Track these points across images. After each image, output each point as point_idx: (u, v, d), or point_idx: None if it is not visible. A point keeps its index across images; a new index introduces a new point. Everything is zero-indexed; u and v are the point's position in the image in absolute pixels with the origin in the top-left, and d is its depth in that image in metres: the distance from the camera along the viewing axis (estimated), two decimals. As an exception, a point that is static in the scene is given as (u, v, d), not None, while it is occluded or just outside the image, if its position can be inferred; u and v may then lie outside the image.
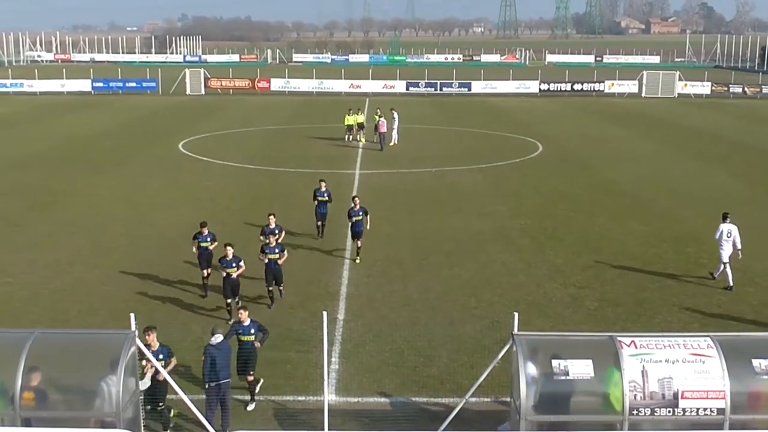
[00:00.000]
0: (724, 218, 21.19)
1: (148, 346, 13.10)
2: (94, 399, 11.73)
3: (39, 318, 18.24)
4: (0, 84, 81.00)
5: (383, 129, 43.35)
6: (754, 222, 26.80)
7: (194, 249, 20.13)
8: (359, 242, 22.86)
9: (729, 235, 20.85)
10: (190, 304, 19.37)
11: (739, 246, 20.82)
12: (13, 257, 23.20)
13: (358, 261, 22.66)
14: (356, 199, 23.37)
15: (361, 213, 22.85)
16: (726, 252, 20.80)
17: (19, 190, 32.74)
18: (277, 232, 20.53)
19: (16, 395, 11.47)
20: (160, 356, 13.21)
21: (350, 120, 46.25)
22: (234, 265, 18.25)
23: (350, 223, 23.01)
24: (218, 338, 13.36)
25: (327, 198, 24.80)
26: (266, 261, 19.06)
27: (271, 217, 21.19)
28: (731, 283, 20.66)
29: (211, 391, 13.30)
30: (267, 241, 19.52)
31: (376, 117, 44.63)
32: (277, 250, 19.20)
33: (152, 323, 16.74)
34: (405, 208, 29.56)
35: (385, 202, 30.48)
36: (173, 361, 13.62)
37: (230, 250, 18.25)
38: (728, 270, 20.76)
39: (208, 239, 19.90)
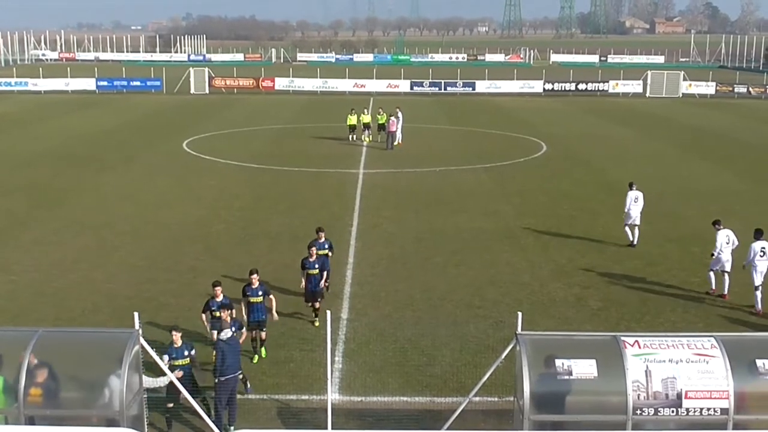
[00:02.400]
0: (631, 186, 24.65)
1: (172, 343, 13.47)
2: (98, 397, 11.76)
3: (43, 316, 18.27)
4: (5, 83, 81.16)
5: (393, 128, 43.47)
6: (759, 222, 26.70)
7: (205, 323, 15.75)
8: (317, 303, 18.02)
9: (636, 200, 24.26)
10: (195, 302, 19.35)
11: (641, 207, 24.34)
12: (17, 255, 23.25)
13: (317, 324, 17.89)
14: (313, 249, 18.39)
15: (317, 266, 18.06)
16: (634, 215, 24.23)
17: (24, 188, 32.81)
18: (261, 294, 16.09)
19: (20, 393, 11.50)
20: (186, 352, 13.51)
21: (352, 120, 46.25)
22: (233, 330, 13.96)
23: (304, 276, 18.09)
24: (227, 333, 13.50)
25: (328, 249, 19.54)
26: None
27: (254, 276, 16.24)
28: (635, 241, 24.31)
29: (221, 386, 13.38)
30: (218, 313, 14.78)
31: (386, 116, 44.92)
32: (234, 328, 13.96)
33: (157, 322, 16.88)
34: (409, 208, 29.57)
35: (389, 202, 30.51)
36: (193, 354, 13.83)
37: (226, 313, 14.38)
38: (636, 231, 24.36)
39: (260, 293, 15.99)
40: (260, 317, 16.12)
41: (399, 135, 44.89)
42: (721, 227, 20.12)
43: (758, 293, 19.14)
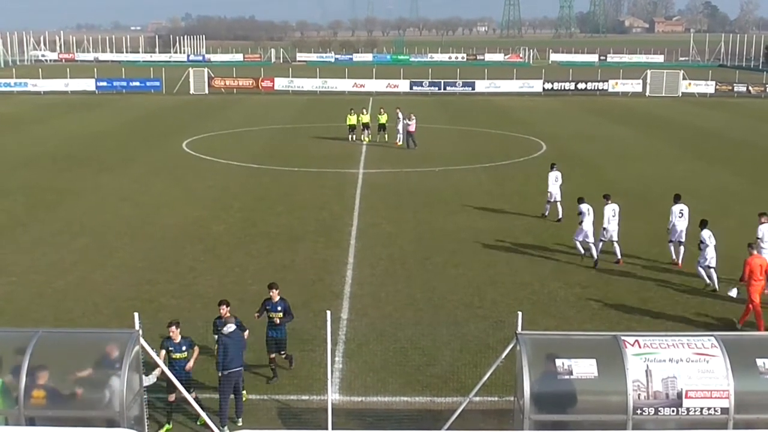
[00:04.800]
0: (552, 167, 28.01)
1: (170, 339, 13.58)
2: (98, 398, 11.75)
3: (43, 317, 18.27)
4: (4, 83, 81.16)
5: (412, 128, 43.68)
6: (757, 221, 26.69)
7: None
8: (243, 396, 14.12)
9: (557, 179, 27.50)
10: (194, 303, 19.38)
11: (559, 184, 27.40)
12: (17, 256, 23.24)
13: (240, 424, 13.62)
14: (223, 307, 14.44)
15: (234, 324, 13.83)
16: (555, 192, 27.40)
17: (23, 189, 32.79)
18: (185, 349, 13.58)
19: (20, 394, 11.49)
20: (183, 347, 13.63)
21: (352, 120, 46.34)
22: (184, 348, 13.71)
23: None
24: (231, 327, 13.57)
25: (282, 313, 15.20)
26: None
27: (173, 328, 13.60)
28: (545, 214, 27.78)
29: (224, 380, 13.43)
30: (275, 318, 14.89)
31: (387, 116, 45.85)
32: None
33: (156, 323, 16.82)
34: (409, 208, 29.56)
35: (388, 201, 30.50)
36: (196, 350, 13.89)
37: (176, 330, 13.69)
38: (559, 207, 27.31)
39: (184, 348, 13.72)
40: (280, 335, 15.26)
41: (399, 135, 44.94)
42: (609, 202, 22.95)
43: (675, 247, 22.48)
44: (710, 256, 20.20)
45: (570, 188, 33.03)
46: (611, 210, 22.76)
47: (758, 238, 19.93)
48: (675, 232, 22.40)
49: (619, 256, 22.73)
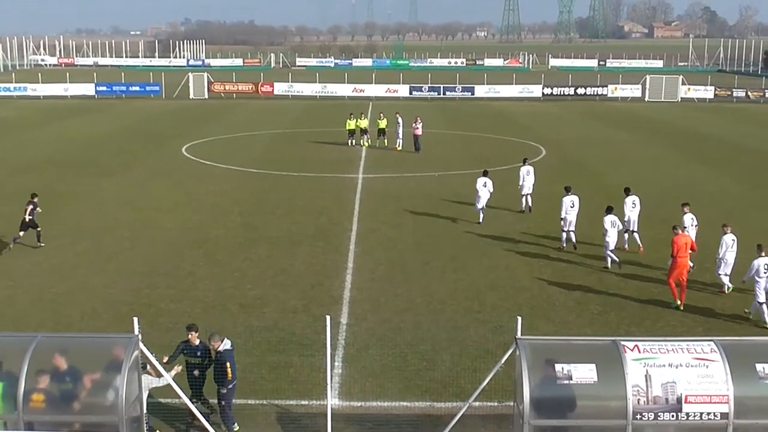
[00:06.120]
0: (524, 162, 30.78)
1: (188, 342, 13.44)
2: (97, 403, 11.73)
3: (42, 322, 18.24)
4: (4, 88, 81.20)
5: (418, 132, 43.93)
6: (757, 226, 26.73)
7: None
8: None
9: (528, 173, 29.80)
10: (193, 308, 19.36)
11: (533, 180, 29.86)
12: (16, 261, 23.22)
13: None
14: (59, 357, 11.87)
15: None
16: (528, 185, 29.68)
17: (22, 193, 32.63)
18: (199, 354, 13.54)
19: (19, 399, 11.47)
20: (198, 353, 13.49)
21: (351, 124, 46.42)
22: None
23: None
24: (227, 343, 13.34)
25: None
26: None
27: (192, 333, 13.60)
28: (527, 209, 29.69)
29: (233, 390, 13.34)
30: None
31: (387, 120, 46.15)
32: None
33: (156, 328, 16.84)
34: (408, 212, 29.58)
35: (388, 206, 30.51)
36: (177, 368, 13.55)
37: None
38: (529, 200, 29.72)
39: (198, 353, 13.64)
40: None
41: (400, 140, 45.02)
42: (568, 194, 24.87)
43: (629, 235, 24.53)
44: (612, 240, 22.52)
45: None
46: (569, 201, 24.58)
47: (685, 227, 21.76)
48: (631, 222, 24.46)
49: (567, 242, 24.75)
